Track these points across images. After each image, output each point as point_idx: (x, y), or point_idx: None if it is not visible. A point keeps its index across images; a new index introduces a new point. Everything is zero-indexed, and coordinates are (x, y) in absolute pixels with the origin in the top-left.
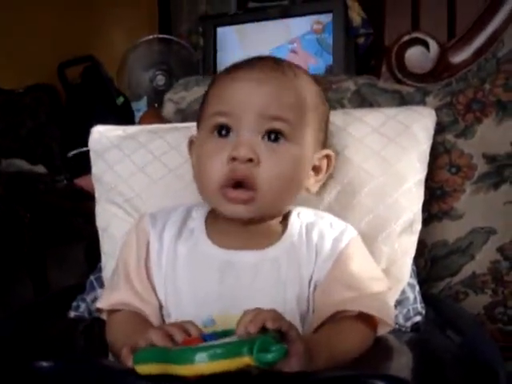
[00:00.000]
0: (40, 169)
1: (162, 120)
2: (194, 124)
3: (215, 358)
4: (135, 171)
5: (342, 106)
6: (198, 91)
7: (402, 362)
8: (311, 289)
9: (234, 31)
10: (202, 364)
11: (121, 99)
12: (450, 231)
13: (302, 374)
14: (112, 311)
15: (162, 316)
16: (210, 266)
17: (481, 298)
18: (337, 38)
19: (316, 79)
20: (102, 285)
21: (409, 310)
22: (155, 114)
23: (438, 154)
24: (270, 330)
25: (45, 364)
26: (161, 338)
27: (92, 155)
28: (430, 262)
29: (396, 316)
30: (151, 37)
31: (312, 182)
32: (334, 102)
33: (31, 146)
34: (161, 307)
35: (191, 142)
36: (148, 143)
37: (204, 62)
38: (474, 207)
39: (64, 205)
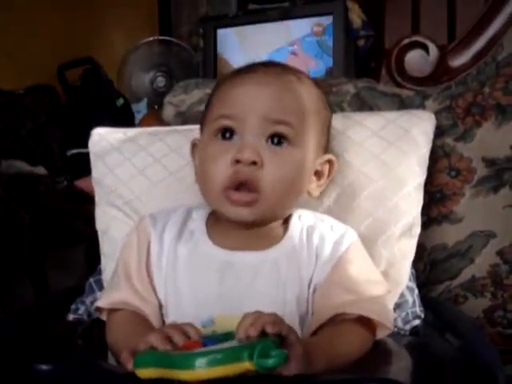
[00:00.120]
0: (40, 170)
1: (162, 122)
2: (194, 127)
3: (215, 363)
4: (135, 174)
5: (342, 110)
6: (197, 94)
7: (400, 366)
8: (311, 291)
9: (234, 33)
10: (202, 369)
11: (121, 101)
12: (450, 235)
13: (301, 377)
14: (112, 311)
15: (161, 315)
16: (210, 266)
17: (480, 301)
18: (337, 40)
19: (317, 83)
20: (101, 287)
21: (408, 314)
22: (155, 117)
23: (437, 157)
24: (270, 334)
25: (44, 367)
26: (161, 340)
27: (92, 158)
28: (429, 266)
29: (395, 319)
30: (151, 38)
31: (314, 187)
32: (333, 105)
33: (31, 147)
34: (161, 307)
35: (194, 145)
36: (148, 146)
37: (204, 63)
38: (473, 211)
39: (64, 206)
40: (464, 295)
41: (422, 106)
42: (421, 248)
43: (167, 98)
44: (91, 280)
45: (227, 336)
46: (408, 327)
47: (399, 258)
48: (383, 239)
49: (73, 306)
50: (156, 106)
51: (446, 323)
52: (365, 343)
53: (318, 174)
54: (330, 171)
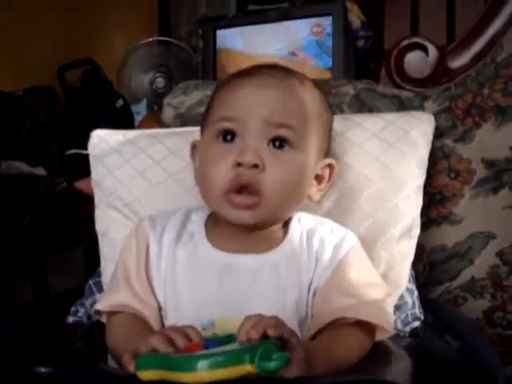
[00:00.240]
0: (40, 171)
1: (162, 124)
2: (194, 129)
3: (217, 366)
4: (135, 176)
5: (341, 111)
6: (196, 95)
7: (400, 368)
8: (310, 294)
9: (233, 34)
10: (204, 372)
11: (120, 102)
12: (449, 236)
13: (302, 379)
14: (111, 313)
15: (161, 318)
16: (210, 269)
17: (480, 302)
18: (336, 41)
19: (318, 85)
20: (100, 289)
21: (407, 315)
22: (155, 118)
23: (436, 158)
24: (272, 337)
25: (43, 369)
26: (162, 343)
27: (91, 160)
28: (428, 267)
29: (394, 321)
30: (151, 39)
31: (314, 191)
32: (333, 106)
33: (30, 148)
34: (160, 309)
35: (194, 147)
36: (148, 148)
37: (204, 64)
38: (472, 212)
39: (63, 207)
40: (463, 296)
41: (421, 108)
42: (420, 249)
43: (166, 100)
44: (91, 282)
45: (228, 338)
46: (408, 329)
47: (399, 260)
48: (383, 241)
49: (72, 309)
50: (155, 107)
51: (446, 325)
52: (364, 347)
53: (319, 178)
54: (330, 175)
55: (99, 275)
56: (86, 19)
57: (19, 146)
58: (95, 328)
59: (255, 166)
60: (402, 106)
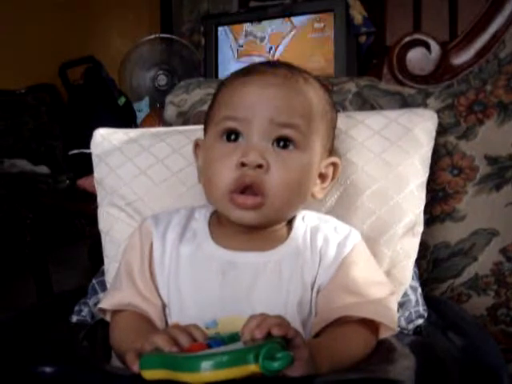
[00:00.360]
0: (42, 169)
1: (164, 122)
2: (197, 127)
3: (221, 366)
4: (137, 174)
5: (344, 108)
6: (199, 93)
7: (404, 365)
8: (314, 293)
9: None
10: (208, 372)
11: (122, 99)
12: (453, 233)
13: (306, 377)
14: (115, 312)
15: (165, 316)
16: (213, 266)
17: (483, 299)
18: (338, 37)
19: (320, 82)
20: (104, 289)
21: (411, 313)
22: (157, 116)
23: (439, 155)
24: (276, 336)
25: (47, 369)
26: (166, 342)
27: (94, 158)
28: (432, 264)
29: (398, 319)
30: (153, 36)
31: (318, 190)
32: (335, 103)
33: (33, 146)
34: (164, 307)
35: (197, 145)
36: (150, 146)
37: (205, 61)
38: (476, 209)
39: (66, 205)
40: (467, 293)
41: (424, 105)
42: (424, 246)
43: (169, 98)
44: (94, 281)
45: (232, 338)
46: (411, 326)
47: (402, 257)
48: (386, 238)
49: (76, 308)
50: (158, 105)
51: (450, 322)
52: (368, 345)
53: (323, 177)
54: (334, 174)
55: (103, 274)
56: (87, 17)
57: (22, 144)
58: (99, 327)
59: (259, 166)
60: (404, 102)
